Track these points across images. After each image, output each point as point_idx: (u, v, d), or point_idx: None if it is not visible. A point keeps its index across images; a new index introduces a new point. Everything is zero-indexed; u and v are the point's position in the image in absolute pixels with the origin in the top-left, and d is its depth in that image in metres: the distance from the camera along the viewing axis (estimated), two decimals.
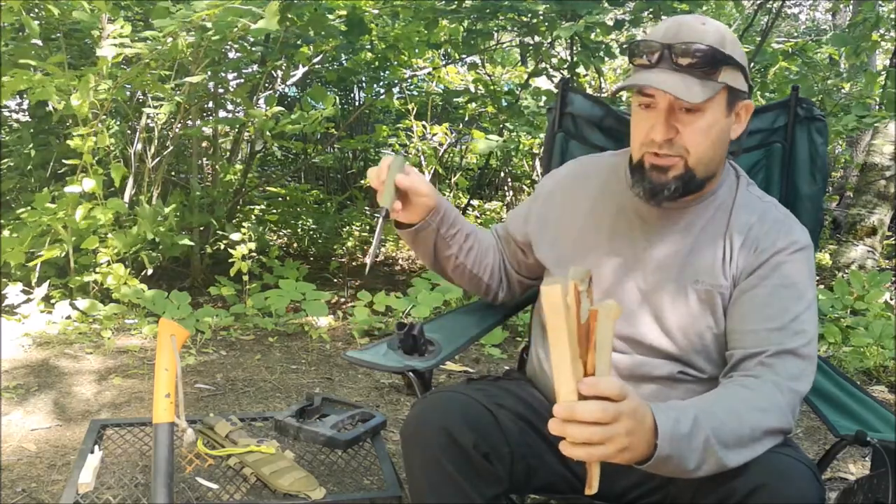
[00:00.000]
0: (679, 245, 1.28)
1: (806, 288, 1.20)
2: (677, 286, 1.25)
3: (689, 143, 1.20)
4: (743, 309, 1.20)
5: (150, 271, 3.77)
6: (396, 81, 5.49)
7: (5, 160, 4.11)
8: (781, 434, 1.09)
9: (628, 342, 1.28)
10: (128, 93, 3.75)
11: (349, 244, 5.48)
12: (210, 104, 4.34)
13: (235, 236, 3.76)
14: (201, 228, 4.17)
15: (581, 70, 4.60)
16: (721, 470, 1.02)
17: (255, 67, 4.48)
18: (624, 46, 4.10)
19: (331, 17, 4.07)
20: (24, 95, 4.06)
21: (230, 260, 3.70)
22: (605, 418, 0.88)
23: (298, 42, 4.17)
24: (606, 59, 4.30)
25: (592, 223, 1.36)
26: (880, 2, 4.81)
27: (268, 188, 5.55)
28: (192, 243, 3.88)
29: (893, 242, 5.75)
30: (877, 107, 4.20)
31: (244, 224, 4.14)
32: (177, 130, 4.03)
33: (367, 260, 1.29)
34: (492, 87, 5.02)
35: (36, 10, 3.51)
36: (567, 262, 1.35)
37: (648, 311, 1.27)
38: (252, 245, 3.70)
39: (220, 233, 4.26)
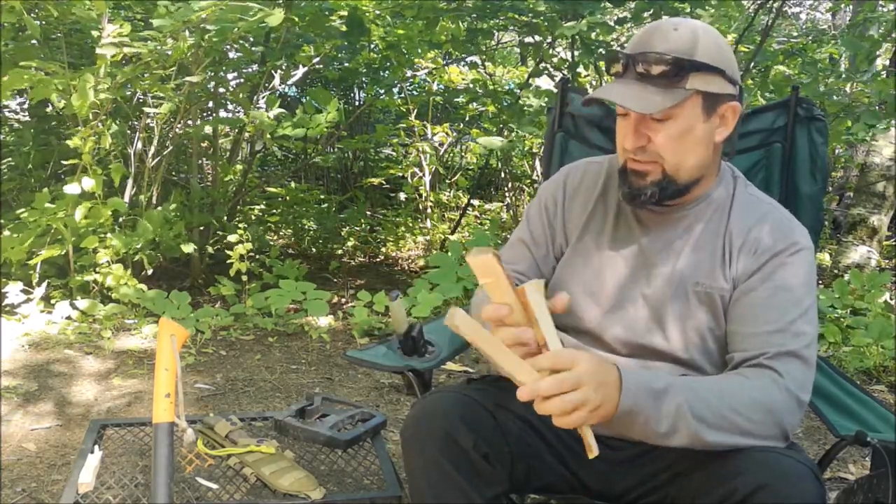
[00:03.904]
0: (678, 248, 1.28)
1: (806, 290, 1.20)
2: (678, 289, 1.25)
3: (662, 149, 1.21)
4: (743, 311, 1.20)
5: (150, 271, 3.77)
6: (397, 81, 5.49)
7: (5, 160, 4.11)
8: (779, 436, 1.09)
9: (631, 346, 1.28)
10: (128, 93, 3.75)
11: (349, 244, 5.48)
12: (210, 104, 4.34)
13: (233, 237, 3.76)
14: (201, 228, 4.17)
15: (581, 70, 4.60)
16: (699, 445, 1.04)
17: (255, 67, 4.48)
18: (625, 45, 4.10)
19: (332, 17, 4.07)
20: (25, 95, 4.07)
21: (229, 260, 3.70)
22: (566, 387, 0.94)
23: (299, 42, 4.17)
24: None
25: (593, 227, 1.36)
26: (881, 2, 4.81)
27: (268, 188, 5.55)
28: (194, 253, 3.88)
29: (893, 243, 5.75)
30: (877, 107, 4.19)
31: (240, 225, 4.14)
32: (177, 130, 4.03)
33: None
34: (492, 87, 5.02)
35: (36, 11, 3.51)
36: (569, 267, 1.36)
37: (650, 315, 1.27)
38: (249, 245, 3.70)
39: (221, 233, 4.26)
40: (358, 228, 5.68)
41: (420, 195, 5.86)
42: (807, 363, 1.15)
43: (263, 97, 4.21)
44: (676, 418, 1.00)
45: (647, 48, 1.18)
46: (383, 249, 5.56)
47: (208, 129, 4.30)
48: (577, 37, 3.95)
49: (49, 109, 4.18)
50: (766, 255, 1.22)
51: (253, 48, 4.22)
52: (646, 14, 3.90)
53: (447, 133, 5.80)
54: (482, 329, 0.94)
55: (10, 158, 4.10)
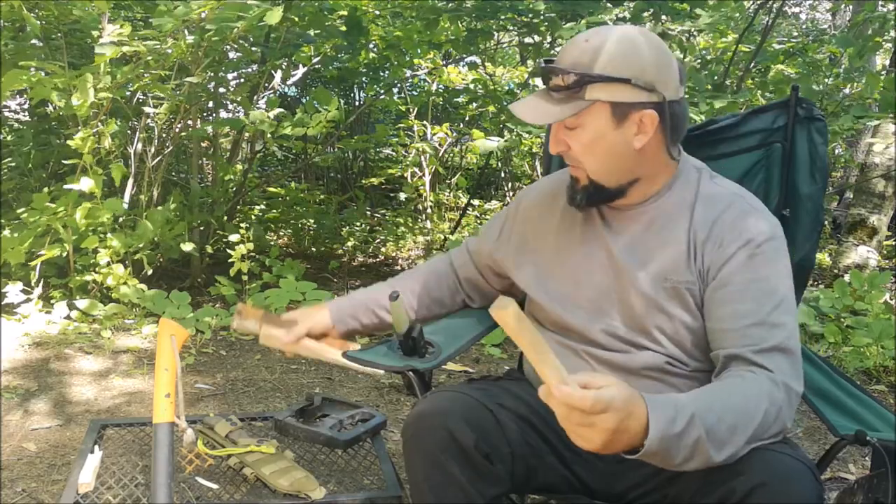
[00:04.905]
0: (642, 244, 1.29)
1: (779, 279, 1.21)
2: (647, 285, 1.27)
3: (579, 155, 1.26)
4: (719, 307, 1.21)
5: (149, 271, 3.77)
6: (396, 81, 5.49)
7: (5, 160, 4.11)
8: (778, 432, 1.09)
9: (612, 341, 1.30)
10: (128, 93, 3.75)
11: (349, 244, 5.48)
12: (210, 104, 4.33)
13: (234, 237, 3.76)
14: (201, 228, 4.17)
15: None
16: (707, 466, 1.02)
17: (255, 67, 4.48)
18: None
19: (332, 17, 4.07)
20: (25, 95, 4.07)
21: (230, 260, 3.70)
22: (597, 408, 0.91)
23: (299, 42, 4.17)
24: None
25: (565, 232, 1.38)
26: (881, 1, 4.81)
27: (268, 188, 5.56)
28: (194, 253, 3.88)
29: (893, 243, 5.75)
30: (876, 108, 4.19)
31: (242, 224, 4.14)
32: (177, 130, 4.03)
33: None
34: (492, 88, 5.02)
35: (36, 11, 3.51)
36: (547, 274, 1.38)
37: (624, 311, 1.29)
38: (250, 245, 3.70)
39: (220, 233, 4.27)
40: (358, 228, 5.68)
41: (420, 195, 5.86)
42: (793, 355, 1.15)
43: (263, 97, 4.21)
44: (693, 450, 0.99)
45: (557, 61, 1.24)
46: (383, 249, 5.56)
47: (208, 129, 4.30)
48: None
49: (49, 109, 4.17)
50: (733, 247, 1.22)
51: (253, 48, 4.22)
52: (645, 14, 3.90)
53: (447, 133, 5.81)
54: (528, 324, 0.94)
55: (10, 158, 4.10)
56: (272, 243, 5.00)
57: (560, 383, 0.92)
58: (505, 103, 4.59)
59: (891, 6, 4.53)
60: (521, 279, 1.43)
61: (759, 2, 5.06)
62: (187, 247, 3.77)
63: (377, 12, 4.60)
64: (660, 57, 1.23)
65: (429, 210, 5.78)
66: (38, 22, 3.42)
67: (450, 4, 4.21)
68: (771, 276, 1.20)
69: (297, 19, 3.89)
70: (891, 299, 4.19)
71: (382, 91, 5.56)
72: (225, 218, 4.35)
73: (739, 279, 1.20)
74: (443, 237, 5.47)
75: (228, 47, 3.98)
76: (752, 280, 1.19)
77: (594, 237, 1.34)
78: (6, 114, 4.59)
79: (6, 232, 3.36)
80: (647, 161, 1.27)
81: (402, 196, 5.99)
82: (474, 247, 1.57)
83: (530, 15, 4.09)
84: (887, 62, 5.15)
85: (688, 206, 1.28)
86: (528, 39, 4.53)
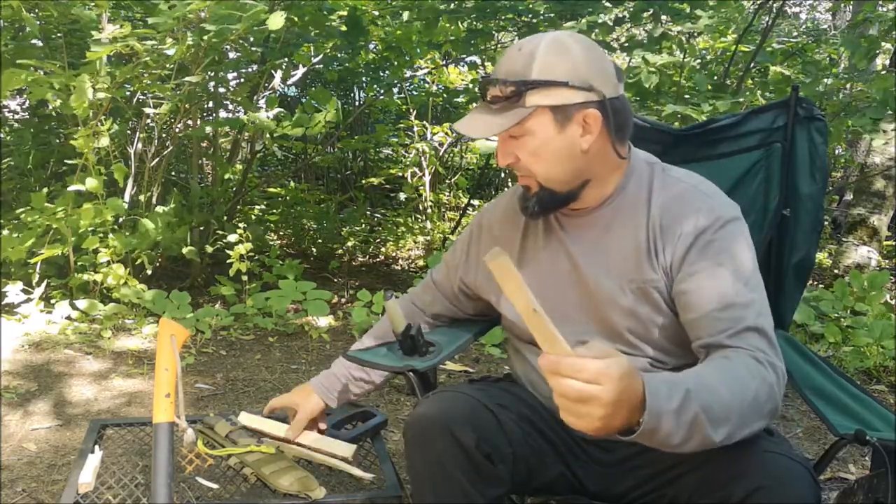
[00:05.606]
0: (602, 248, 1.29)
1: (741, 260, 1.20)
2: (613, 288, 1.26)
3: (528, 164, 1.25)
4: (688, 299, 1.20)
5: (149, 271, 3.77)
6: (396, 81, 5.49)
7: (5, 160, 4.11)
8: (772, 411, 1.09)
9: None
10: (128, 93, 3.75)
11: (349, 244, 5.48)
12: (210, 104, 4.33)
13: (232, 237, 3.76)
14: (201, 228, 4.16)
15: None
16: (707, 446, 1.00)
17: (255, 67, 4.48)
18: (625, 45, 4.11)
19: (332, 17, 4.07)
20: (25, 95, 4.07)
21: (229, 260, 3.70)
22: (584, 376, 0.87)
23: (299, 41, 4.17)
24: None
25: (528, 245, 1.38)
26: (881, 1, 4.81)
27: (268, 188, 5.55)
28: (196, 258, 3.88)
29: (893, 243, 5.75)
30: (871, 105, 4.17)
31: (240, 225, 4.14)
32: (177, 130, 4.03)
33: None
34: None
35: (36, 11, 3.51)
36: None
37: (595, 319, 1.29)
38: (249, 245, 3.70)
39: (220, 233, 4.27)
40: (358, 228, 5.68)
41: (420, 195, 5.86)
42: (766, 333, 1.15)
43: (263, 97, 4.21)
44: (691, 428, 0.97)
45: (494, 74, 1.24)
46: (383, 249, 5.56)
47: (208, 129, 4.30)
48: None
49: (49, 109, 4.18)
50: (690, 237, 1.22)
51: (253, 48, 4.22)
52: (645, 14, 3.90)
53: (447, 133, 5.81)
54: (518, 277, 0.88)
55: (9, 158, 4.10)
56: (272, 243, 5.00)
57: (553, 353, 0.88)
58: None
59: (890, 6, 4.53)
60: (491, 297, 1.44)
61: (759, 2, 5.06)
62: (188, 251, 3.77)
63: (377, 13, 4.59)
64: (592, 56, 1.23)
65: (429, 210, 5.78)
66: (38, 22, 3.42)
67: (451, 5, 4.21)
68: (733, 258, 1.20)
69: (297, 19, 3.89)
70: (891, 299, 4.19)
71: (382, 91, 5.55)
72: (225, 218, 4.35)
73: (703, 266, 1.20)
74: (443, 237, 5.47)
75: (228, 47, 3.98)
76: (716, 265, 1.19)
77: (556, 247, 1.34)
78: (6, 114, 4.58)
79: (6, 232, 3.36)
80: (595, 162, 1.26)
81: (402, 196, 5.99)
82: (440, 277, 1.58)
83: (530, 15, 4.09)
84: (887, 62, 5.14)
85: (643, 204, 1.28)
86: None
